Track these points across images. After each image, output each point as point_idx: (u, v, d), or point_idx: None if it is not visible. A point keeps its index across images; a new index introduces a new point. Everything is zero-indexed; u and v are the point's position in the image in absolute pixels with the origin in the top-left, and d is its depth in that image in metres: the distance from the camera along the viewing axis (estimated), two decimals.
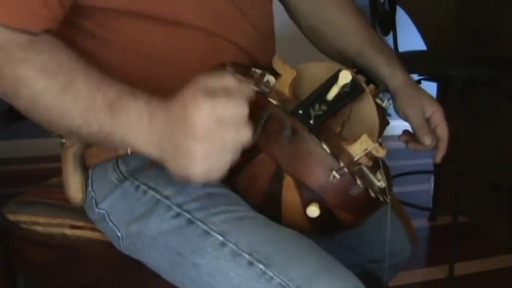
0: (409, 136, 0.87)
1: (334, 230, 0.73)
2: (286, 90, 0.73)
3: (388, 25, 1.87)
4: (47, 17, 0.64)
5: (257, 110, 0.67)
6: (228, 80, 0.57)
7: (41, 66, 0.62)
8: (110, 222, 0.77)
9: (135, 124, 0.60)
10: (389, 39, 1.86)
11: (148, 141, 0.60)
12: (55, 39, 0.65)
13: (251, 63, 0.81)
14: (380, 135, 0.76)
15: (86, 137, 0.64)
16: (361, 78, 0.80)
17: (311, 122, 0.66)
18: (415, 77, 1.74)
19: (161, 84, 0.76)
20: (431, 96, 0.87)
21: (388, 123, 0.82)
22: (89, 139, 0.64)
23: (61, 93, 0.61)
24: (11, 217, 0.90)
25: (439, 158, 0.86)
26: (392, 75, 0.86)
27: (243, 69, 0.77)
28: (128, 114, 0.60)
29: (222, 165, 0.57)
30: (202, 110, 0.54)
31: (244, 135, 0.56)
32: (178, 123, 0.56)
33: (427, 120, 0.85)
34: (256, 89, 0.67)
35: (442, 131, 0.85)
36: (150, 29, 0.73)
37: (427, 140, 0.83)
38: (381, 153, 0.67)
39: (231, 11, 0.78)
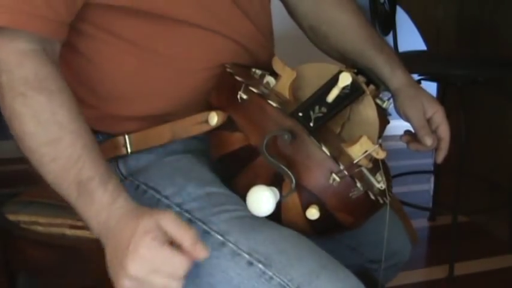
0: (411, 136, 0.87)
1: (333, 231, 0.73)
2: (286, 92, 0.73)
3: (388, 25, 1.87)
4: (53, 19, 0.65)
5: (257, 113, 0.67)
6: (186, 236, 0.58)
7: (36, 109, 0.63)
8: None
9: (92, 214, 0.62)
10: (389, 39, 1.85)
11: (98, 232, 0.63)
12: (62, 82, 0.66)
13: (251, 60, 0.81)
14: (380, 136, 0.76)
15: (55, 189, 0.66)
16: (361, 79, 0.80)
17: (311, 124, 0.66)
18: (415, 77, 1.74)
19: (161, 84, 0.76)
20: (432, 96, 0.87)
21: (388, 122, 0.82)
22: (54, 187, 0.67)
23: (44, 146, 0.63)
24: (11, 217, 0.90)
25: (440, 158, 0.86)
26: (393, 75, 0.86)
27: (243, 70, 0.77)
28: (92, 202, 0.62)
29: None
30: (140, 258, 0.56)
31: None
32: (118, 250, 0.59)
33: (428, 121, 0.85)
34: (256, 91, 0.67)
35: (444, 131, 0.85)
36: (150, 29, 0.73)
37: (428, 141, 0.83)
38: (381, 155, 0.67)
39: (231, 8, 0.77)
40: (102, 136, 0.79)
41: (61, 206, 0.89)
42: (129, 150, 0.76)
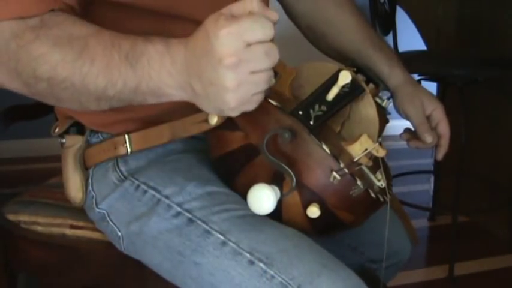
0: (410, 134, 0.87)
1: (334, 230, 0.73)
2: (286, 91, 0.73)
3: (388, 25, 1.87)
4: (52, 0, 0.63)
5: (257, 112, 0.67)
6: (251, 4, 0.54)
7: (53, 40, 0.60)
8: (110, 222, 0.77)
9: (157, 68, 0.58)
10: (389, 39, 1.86)
11: (175, 83, 0.58)
12: (63, 13, 0.63)
13: None
14: (380, 135, 0.76)
15: (114, 99, 0.62)
16: (360, 78, 0.80)
17: (311, 122, 0.66)
18: (415, 77, 1.74)
19: None
20: (431, 94, 0.87)
21: (388, 121, 0.82)
22: (117, 101, 0.62)
23: (77, 59, 0.59)
24: (11, 217, 0.90)
25: (441, 155, 0.86)
26: (392, 73, 0.86)
27: None
28: (148, 59, 0.58)
29: (255, 93, 0.56)
30: (227, 36, 0.52)
31: (273, 56, 0.54)
32: (204, 56, 0.54)
33: (428, 118, 0.85)
34: None
35: (443, 128, 0.84)
36: (151, 27, 0.72)
37: (428, 138, 0.83)
38: (381, 153, 0.67)
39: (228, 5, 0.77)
40: (102, 136, 0.79)
41: (61, 206, 0.89)
42: (129, 150, 0.76)
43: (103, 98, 0.62)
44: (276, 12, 0.56)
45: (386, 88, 0.87)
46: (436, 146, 0.85)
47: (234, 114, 0.58)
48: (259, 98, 0.57)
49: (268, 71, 0.55)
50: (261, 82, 0.55)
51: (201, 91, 0.57)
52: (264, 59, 0.54)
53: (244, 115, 0.60)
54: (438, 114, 0.84)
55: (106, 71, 0.59)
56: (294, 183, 0.64)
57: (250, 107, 0.57)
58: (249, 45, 0.53)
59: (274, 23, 0.55)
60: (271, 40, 0.54)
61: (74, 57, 0.59)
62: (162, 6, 0.70)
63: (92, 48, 0.59)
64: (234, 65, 0.53)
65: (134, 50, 0.59)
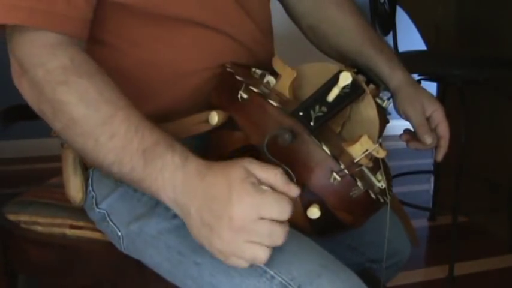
0: (410, 135, 0.87)
1: (334, 231, 0.73)
2: (286, 92, 0.73)
3: (388, 25, 1.87)
4: (76, 18, 0.64)
5: (258, 112, 0.67)
6: (277, 178, 0.57)
7: (81, 93, 0.61)
8: (110, 222, 0.77)
9: (166, 179, 0.59)
10: (389, 39, 1.86)
11: (174, 200, 0.59)
12: (94, 62, 0.64)
13: (251, 59, 0.81)
14: (380, 135, 0.76)
15: (116, 174, 0.62)
16: (361, 79, 0.80)
17: (311, 123, 0.66)
18: (415, 77, 1.74)
19: (162, 85, 0.76)
20: (431, 95, 0.87)
21: (388, 121, 0.82)
22: (117, 177, 0.63)
23: (99, 126, 0.60)
24: (11, 217, 0.90)
25: (440, 156, 0.86)
26: (392, 74, 0.86)
27: (243, 70, 0.77)
28: (163, 165, 0.59)
29: (239, 257, 0.57)
30: (247, 204, 0.55)
31: (276, 238, 0.56)
32: (216, 202, 0.56)
33: (428, 119, 0.85)
34: (256, 90, 0.67)
35: (443, 129, 0.85)
36: (152, 29, 0.72)
37: (428, 139, 0.83)
38: (381, 154, 0.67)
39: (233, 6, 0.77)
40: None
41: (61, 206, 0.89)
42: None
43: (105, 168, 0.63)
44: (297, 188, 0.58)
45: (387, 89, 0.87)
46: (436, 147, 0.85)
47: (212, 254, 0.58)
48: (240, 263, 0.58)
49: (261, 249, 0.56)
50: (249, 253, 0.56)
51: (196, 222, 0.58)
52: (265, 237, 0.56)
53: (245, 115, 0.60)
54: (438, 115, 0.84)
55: (119, 152, 0.60)
56: None
57: (228, 263, 0.58)
58: (260, 219, 0.55)
59: (293, 199, 0.57)
60: (285, 221, 0.56)
61: (96, 123, 0.61)
62: (157, 6, 0.70)
63: (116, 124, 0.60)
64: (236, 229, 0.55)
65: (154, 149, 0.60)
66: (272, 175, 0.57)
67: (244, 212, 0.55)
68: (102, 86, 0.62)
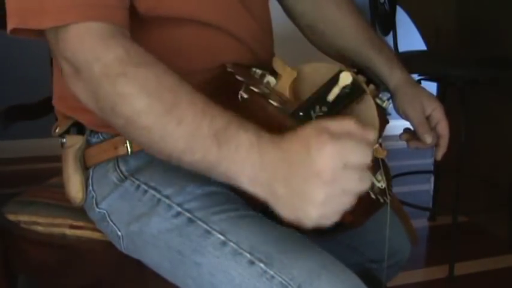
0: (410, 134, 0.87)
1: (334, 231, 0.73)
2: (287, 92, 0.73)
3: (388, 25, 1.87)
4: (121, 7, 0.63)
5: (258, 112, 0.67)
6: (351, 126, 0.54)
7: (142, 83, 0.59)
8: (110, 221, 0.77)
9: (243, 158, 0.56)
10: (389, 39, 1.86)
11: (255, 178, 0.56)
12: (147, 52, 0.62)
13: (252, 59, 0.81)
14: (380, 136, 0.76)
15: (186, 163, 0.60)
16: (361, 79, 0.80)
17: None
18: (415, 77, 1.74)
19: None
20: (431, 94, 0.87)
21: (388, 121, 0.83)
22: (188, 166, 0.60)
23: (164, 115, 0.58)
24: (11, 217, 0.90)
25: (440, 155, 0.86)
26: (392, 74, 0.87)
27: (244, 70, 0.77)
28: (237, 146, 0.56)
29: (337, 211, 0.54)
30: (330, 154, 0.51)
31: (365, 183, 0.54)
32: (298, 165, 0.53)
33: (428, 118, 0.85)
34: (257, 90, 0.67)
35: (443, 128, 0.85)
36: (153, 29, 0.72)
37: (428, 138, 0.83)
38: (381, 154, 0.67)
39: (235, 5, 0.77)
40: (103, 136, 0.79)
41: (61, 206, 0.89)
42: (129, 150, 0.76)
43: (175, 158, 0.60)
44: (374, 131, 0.55)
45: (387, 89, 0.87)
46: (436, 146, 0.86)
47: (310, 225, 0.55)
48: (337, 217, 0.55)
49: (356, 195, 0.54)
50: (346, 203, 0.54)
51: (283, 196, 0.55)
52: (357, 183, 0.53)
53: (245, 115, 0.59)
54: (438, 114, 0.84)
55: (190, 138, 0.58)
56: None
57: (328, 222, 0.55)
58: (346, 166, 0.52)
59: (373, 144, 0.55)
60: (368, 164, 0.54)
61: (161, 112, 0.58)
62: (159, 6, 0.70)
63: (182, 109, 0.58)
64: (328, 184, 0.52)
65: (225, 131, 0.57)
66: (346, 123, 0.54)
67: (329, 162, 0.51)
68: (162, 73, 0.61)
